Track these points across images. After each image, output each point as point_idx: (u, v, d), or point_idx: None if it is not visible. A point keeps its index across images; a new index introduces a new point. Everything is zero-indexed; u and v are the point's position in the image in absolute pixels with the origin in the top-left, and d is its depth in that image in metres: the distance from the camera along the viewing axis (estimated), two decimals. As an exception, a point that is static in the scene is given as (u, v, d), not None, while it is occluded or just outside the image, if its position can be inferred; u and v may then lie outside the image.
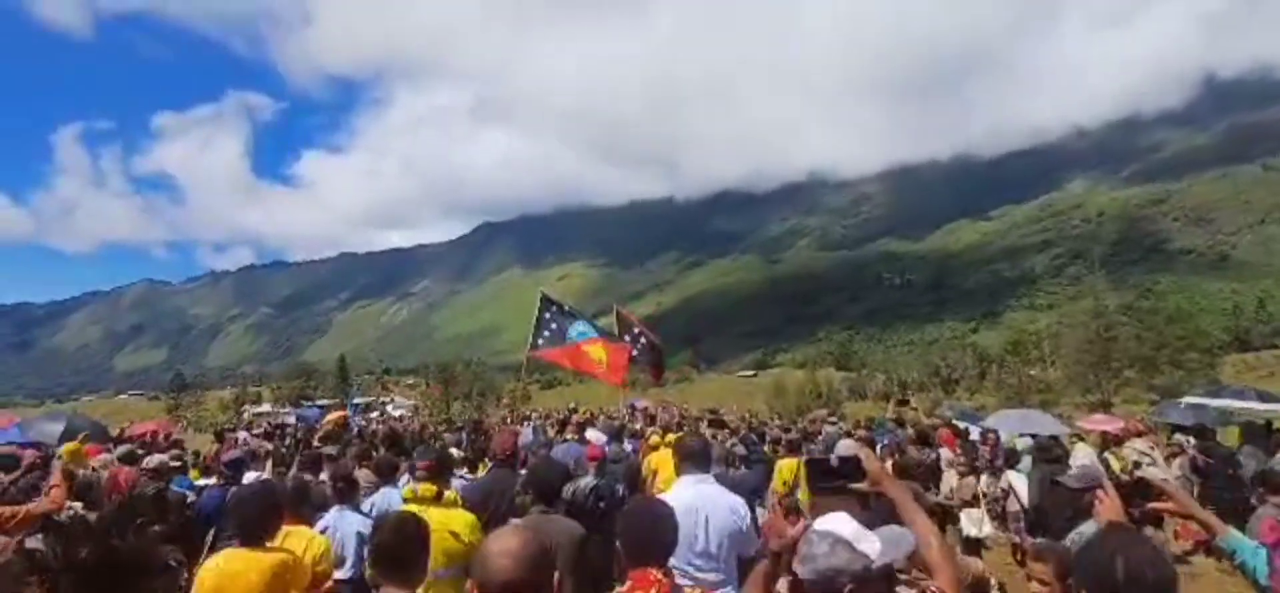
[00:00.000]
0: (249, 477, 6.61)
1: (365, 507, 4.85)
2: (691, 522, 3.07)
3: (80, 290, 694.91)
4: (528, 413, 29.52)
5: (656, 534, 2.19)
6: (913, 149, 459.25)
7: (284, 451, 10.15)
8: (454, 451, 8.18)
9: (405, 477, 5.48)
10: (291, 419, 16.58)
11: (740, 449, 8.84)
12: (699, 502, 3.21)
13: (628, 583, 2.06)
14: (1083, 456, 7.77)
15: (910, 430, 12.31)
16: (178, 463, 6.97)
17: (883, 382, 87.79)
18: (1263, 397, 8.72)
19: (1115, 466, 8.27)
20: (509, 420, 13.77)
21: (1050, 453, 6.74)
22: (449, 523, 3.47)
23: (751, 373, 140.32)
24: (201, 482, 7.19)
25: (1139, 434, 9.28)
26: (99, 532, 4.14)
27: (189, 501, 5.88)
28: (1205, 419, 10.39)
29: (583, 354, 10.46)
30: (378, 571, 2.32)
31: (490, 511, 4.05)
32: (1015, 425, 8.96)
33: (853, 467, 2.00)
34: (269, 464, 8.01)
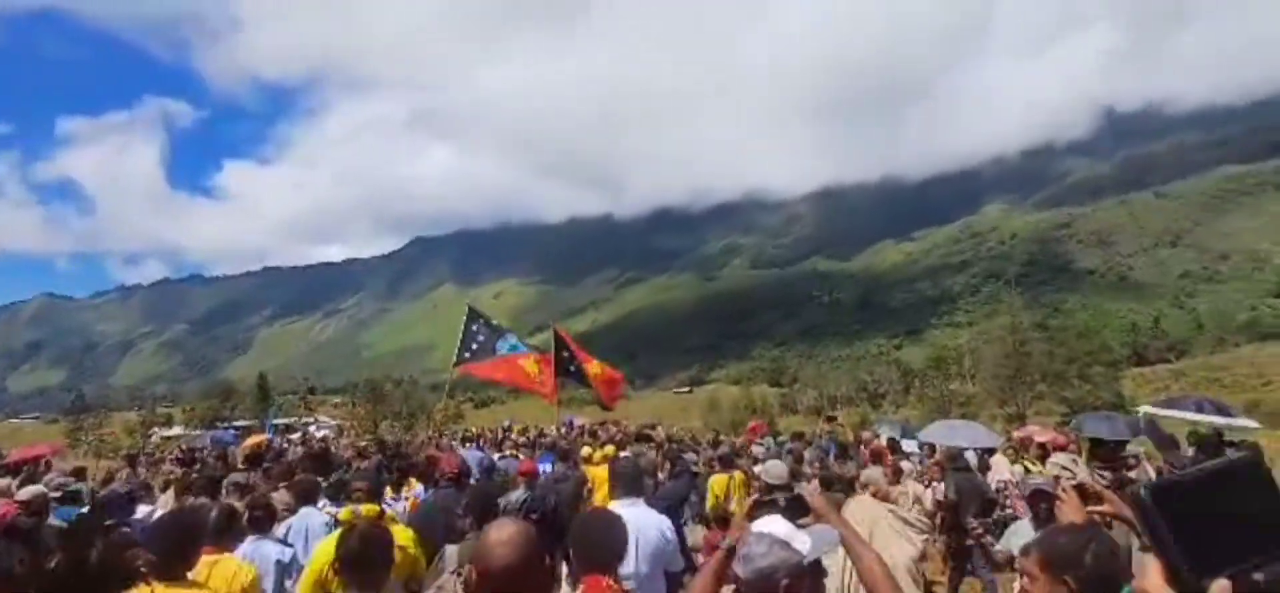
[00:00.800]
0: (142, 512, 6.06)
1: (281, 530, 4.64)
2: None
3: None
4: (465, 433, 28.74)
5: (608, 542, 2.35)
6: (843, 171, 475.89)
7: (194, 478, 9.45)
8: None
9: (324, 500, 5.27)
10: (205, 443, 15.52)
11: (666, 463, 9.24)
12: (631, 524, 3.18)
13: (579, 588, 2.19)
14: (1003, 469, 8.07)
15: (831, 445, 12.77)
16: (57, 495, 6.20)
17: (814, 397, 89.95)
18: (1222, 409, 9.08)
19: (1036, 474, 8.66)
20: (436, 441, 13.33)
21: (957, 461, 7.80)
22: (394, 538, 3.45)
23: (687, 389, 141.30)
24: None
25: (1062, 448, 9.69)
26: (70, 540, 3.85)
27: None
28: (1119, 432, 10.90)
29: (516, 367, 10.40)
30: (345, 576, 2.50)
31: (437, 533, 4.10)
32: (948, 437, 9.11)
33: (798, 505, 2.13)
34: (168, 496, 7.35)
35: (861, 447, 11.04)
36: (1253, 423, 11.53)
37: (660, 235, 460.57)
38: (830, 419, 21.25)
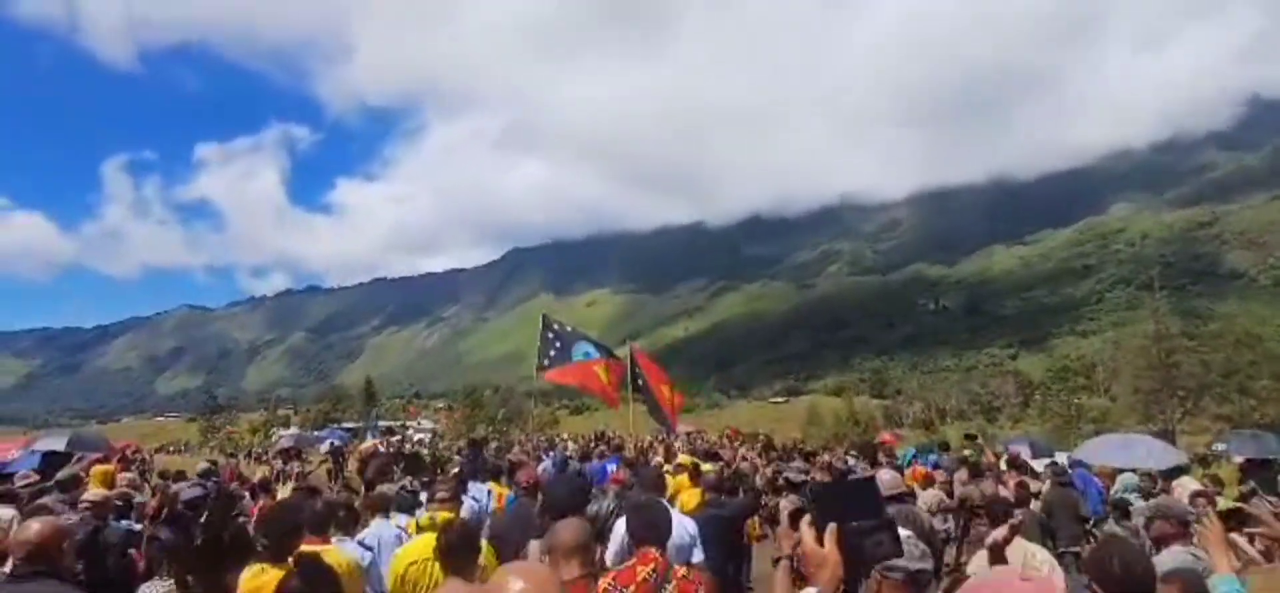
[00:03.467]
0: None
1: (361, 535, 4.69)
2: None
3: (124, 314, 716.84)
4: (553, 439, 28.82)
5: (656, 522, 2.98)
6: (946, 172, 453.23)
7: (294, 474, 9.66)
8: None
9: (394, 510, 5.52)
10: (310, 442, 16.13)
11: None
12: None
13: (634, 558, 2.80)
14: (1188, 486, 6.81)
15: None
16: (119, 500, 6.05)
17: (920, 409, 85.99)
18: None
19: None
20: (526, 446, 13.26)
21: (1061, 477, 7.60)
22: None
23: (782, 399, 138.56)
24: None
25: None
26: (208, 523, 4.86)
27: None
28: (1266, 450, 9.37)
29: (590, 372, 10.82)
30: (444, 563, 3.03)
31: (513, 542, 4.39)
32: (1117, 456, 7.63)
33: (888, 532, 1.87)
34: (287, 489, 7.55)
35: (1000, 464, 9.83)
36: None
37: (752, 243, 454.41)
38: (970, 437, 19.68)
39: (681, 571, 2.80)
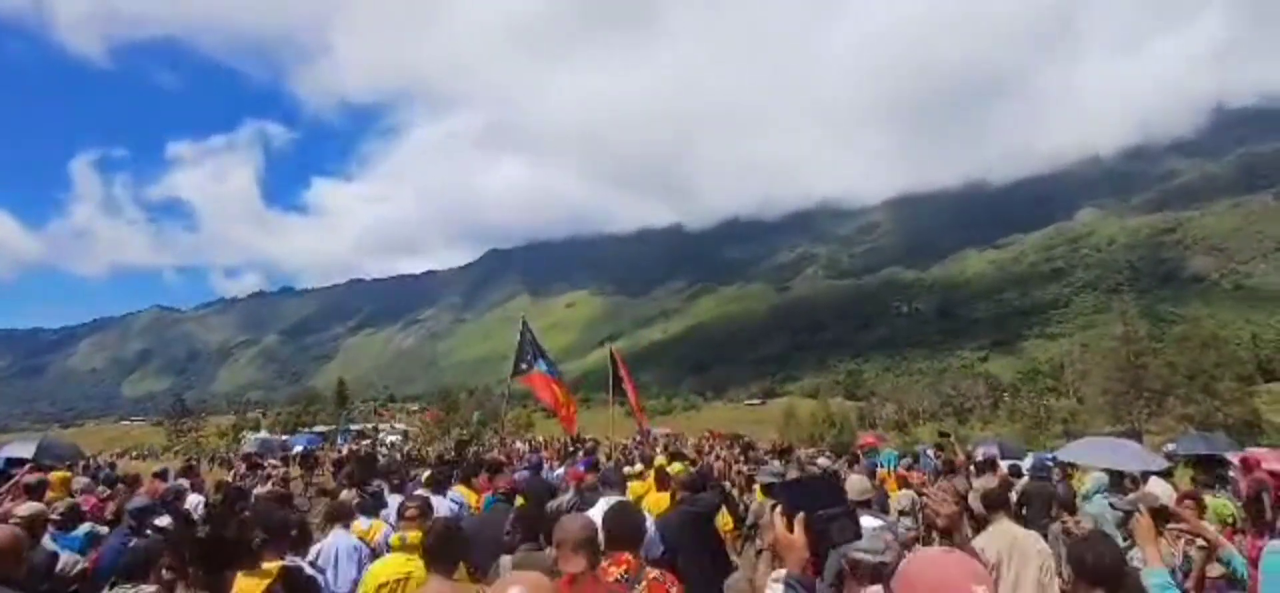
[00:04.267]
0: (163, 522, 5.82)
1: (313, 552, 4.61)
2: None
3: (92, 315, 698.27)
4: (531, 441, 28.52)
5: (631, 524, 3.09)
6: (921, 177, 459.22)
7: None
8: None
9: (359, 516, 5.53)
10: (272, 446, 15.64)
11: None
12: None
13: (607, 561, 2.82)
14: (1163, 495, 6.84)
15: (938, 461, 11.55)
16: (57, 517, 5.74)
17: (893, 411, 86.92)
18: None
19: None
20: (503, 448, 13.13)
21: (1042, 472, 8.00)
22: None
23: (759, 401, 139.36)
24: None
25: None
26: (213, 518, 5.16)
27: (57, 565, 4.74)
28: (1215, 448, 9.57)
29: (550, 388, 11.32)
30: (429, 562, 3.03)
31: (480, 546, 4.23)
32: (1100, 458, 7.56)
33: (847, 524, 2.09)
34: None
35: (970, 464, 9.86)
36: None
37: (731, 245, 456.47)
38: (943, 434, 19.87)
39: (653, 573, 2.85)
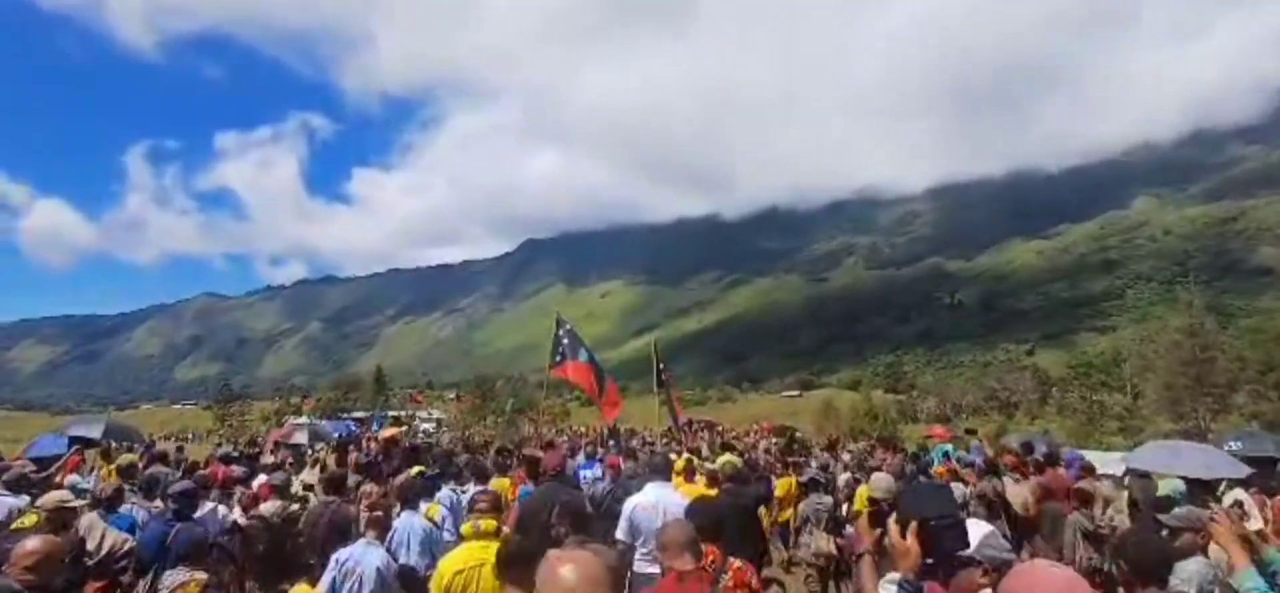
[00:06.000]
0: (206, 508, 5.80)
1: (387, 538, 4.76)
2: (655, 513, 4.59)
3: (145, 302, 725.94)
4: (574, 431, 28.43)
5: (711, 519, 3.63)
6: (965, 166, 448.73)
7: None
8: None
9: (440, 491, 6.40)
10: (309, 431, 15.56)
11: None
12: (660, 500, 4.75)
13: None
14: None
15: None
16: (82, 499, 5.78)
17: (935, 404, 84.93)
18: None
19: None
20: (539, 439, 13.00)
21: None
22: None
23: (796, 393, 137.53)
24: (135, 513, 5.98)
25: None
26: (273, 532, 5.19)
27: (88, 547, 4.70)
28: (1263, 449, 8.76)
29: (590, 376, 11.46)
30: (504, 574, 2.99)
31: (535, 522, 4.72)
32: (1170, 463, 6.57)
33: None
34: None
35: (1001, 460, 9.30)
36: None
37: (768, 236, 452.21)
38: (969, 432, 19.13)
39: (736, 563, 3.05)
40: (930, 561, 1.99)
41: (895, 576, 1.98)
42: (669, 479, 5.19)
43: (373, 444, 13.33)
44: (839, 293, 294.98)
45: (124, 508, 5.46)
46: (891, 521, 1.99)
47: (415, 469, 7.66)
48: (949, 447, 11.13)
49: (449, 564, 3.73)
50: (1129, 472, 7.50)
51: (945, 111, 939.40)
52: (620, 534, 4.63)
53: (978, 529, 2.44)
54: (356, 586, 4.02)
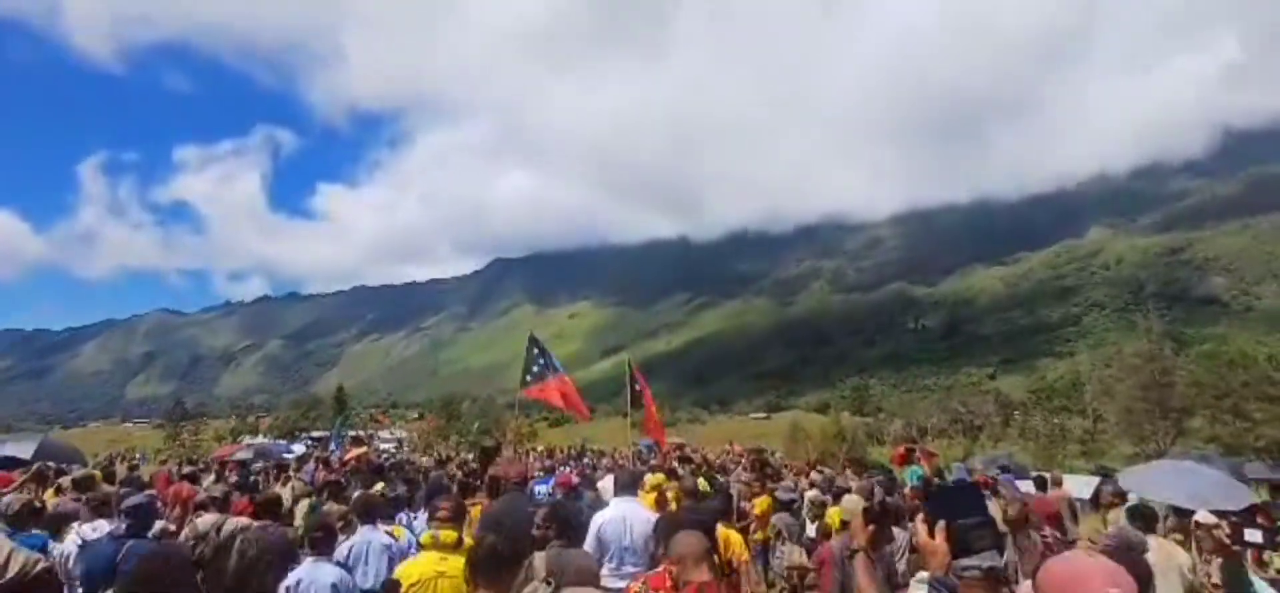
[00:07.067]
0: (159, 526, 5.37)
1: (342, 552, 4.55)
2: (622, 527, 4.61)
3: (97, 317, 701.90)
4: (540, 450, 27.94)
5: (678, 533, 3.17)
6: (930, 192, 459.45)
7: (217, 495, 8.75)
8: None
9: (404, 514, 6.07)
10: (270, 454, 14.93)
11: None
12: (626, 514, 4.71)
13: (662, 567, 3.03)
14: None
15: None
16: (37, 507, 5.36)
17: (901, 427, 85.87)
18: None
19: None
20: (519, 458, 12.67)
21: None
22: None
23: (763, 415, 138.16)
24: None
25: None
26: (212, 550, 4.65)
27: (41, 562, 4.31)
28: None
29: (568, 387, 11.38)
30: (477, 577, 2.90)
31: (502, 533, 4.02)
32: (1169, 491, 6.27)
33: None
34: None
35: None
36: None
37: (736, 259, 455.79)
38: (910, 447, 19.03)
39: (694, 584, 2.87)
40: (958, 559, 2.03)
41: (925, 575, 2.02)
42: (635, 494, 5.11)
43: (322, 468, 12.68)
44: (806, 316, 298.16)
45: (76, 526, 5.02)
46: (919, 520, 2.04)
47: (378, 487, 7.31)
48: (920, 469, 11.08)
49: (405, 575, 3.66)
50: (1114, 491, 7.40)
51: (910, 140, 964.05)
52: (588, 548, 4.47)
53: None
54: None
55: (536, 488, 8.76)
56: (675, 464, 14.05)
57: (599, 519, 4.69)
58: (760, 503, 8.72)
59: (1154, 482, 6.71)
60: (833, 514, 7.54)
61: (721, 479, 10.97)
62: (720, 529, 5.53)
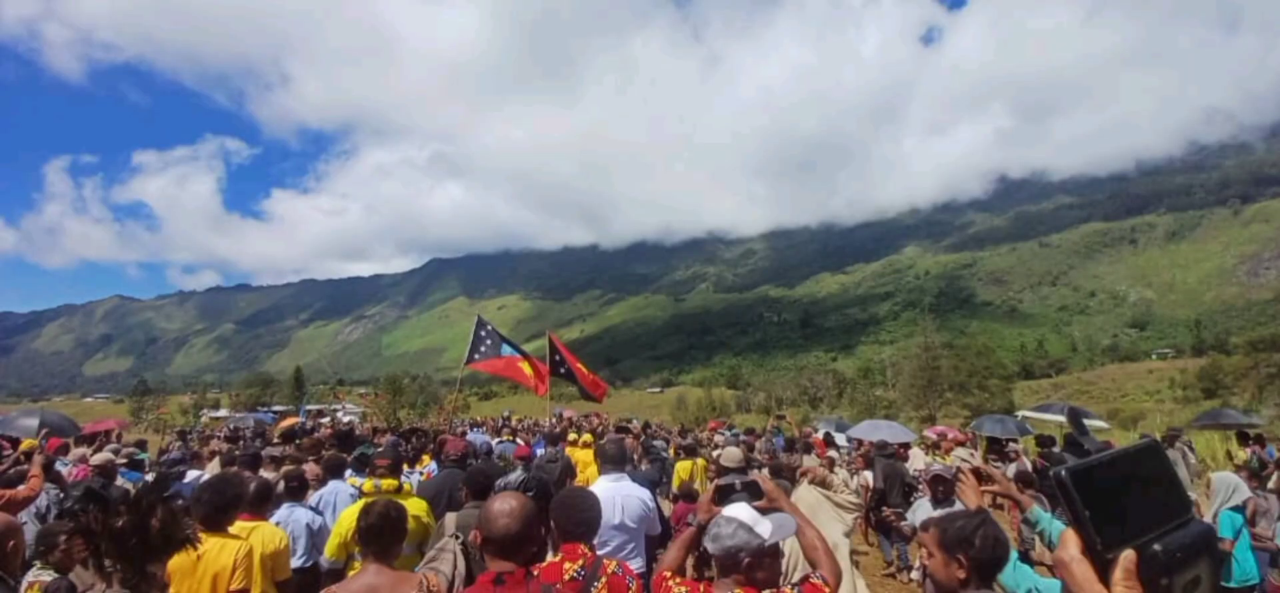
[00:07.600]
0: (191, 477, 5.82)
1: (313, 499, 4.60)
2: (612, 506, 3.59)
3: (57, 302, 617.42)
4: (474, 420, 28.17)
5: (585, 516, 2.30)
6: (789, 216, 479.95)
7: (237, 452, 9.10)
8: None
9: (349, 472, 5.36)
10: (248, 422, 14.85)
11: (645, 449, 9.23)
12: (616, 492, 3.73)
13: (559, 554, 2.13)
14: (918, 460, 8.03)
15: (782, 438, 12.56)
16: (124, 461, 5.95)
17: (764, 398, 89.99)
18: (1080, 414, 8.94)
19: (938, 462, 8.62)
20: (448, 426, 13.12)
21: (885, 450, 7.64)
22: (409, 509, 3.33)
23: (659, 390, 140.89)
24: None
25: (961, 443, 9.72)
26: (135, 504, 3.83)
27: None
28: (1009, 431, 10.99)
29: (516, 367, 10.73)
30: (364, 545, 2.43)
31: (441, 504, 4.24)
32: (873, 433, 8.95)
33: (753, 489, 2.12)
34: (215, 464, 6.99)
35: (804, 440, 10.87)
36: (1104, 424, 11.92)
37: (638, 263, 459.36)
38: (779, 417, 21.07)
39: (611, 565, 2.14)
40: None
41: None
42: (623, 468, 4.01)
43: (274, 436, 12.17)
44: (694, 311, 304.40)
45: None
46: (1074, 550, 0.76)
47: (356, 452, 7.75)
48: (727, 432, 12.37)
49: (347, 518, 3.46)
50: (853, 439, 9.47)
51: (775, 174, 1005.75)
52: None
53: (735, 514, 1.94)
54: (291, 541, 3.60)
55: (490, 443, 9.37)
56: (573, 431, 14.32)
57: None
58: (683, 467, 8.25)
59: (862, 430, 8.79)
60: (682, 467, 7.59)
61: (658, 444, 11.03)
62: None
